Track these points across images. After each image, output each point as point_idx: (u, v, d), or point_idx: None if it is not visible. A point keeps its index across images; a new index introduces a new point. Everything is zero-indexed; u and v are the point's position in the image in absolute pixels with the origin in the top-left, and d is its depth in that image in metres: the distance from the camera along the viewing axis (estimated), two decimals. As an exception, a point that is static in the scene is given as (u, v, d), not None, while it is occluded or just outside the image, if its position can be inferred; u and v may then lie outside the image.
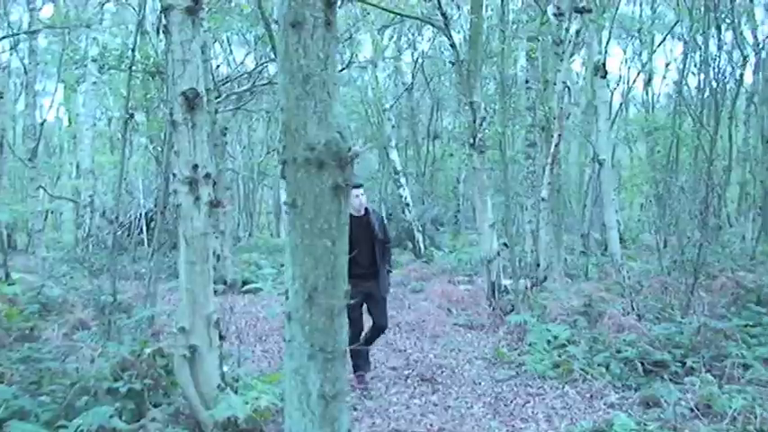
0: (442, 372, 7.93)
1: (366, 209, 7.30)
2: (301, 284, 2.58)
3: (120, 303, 8.68)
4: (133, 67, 11.26)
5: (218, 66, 21.39)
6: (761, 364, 7.21)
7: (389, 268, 7.67)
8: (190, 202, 5.14)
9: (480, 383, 7.48)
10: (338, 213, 2.58)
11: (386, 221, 7.91)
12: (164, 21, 5.25)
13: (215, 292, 5.38)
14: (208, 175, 5.24)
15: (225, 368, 5.66)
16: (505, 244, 12.46)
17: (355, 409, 6.53)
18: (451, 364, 8.26)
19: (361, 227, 6.94)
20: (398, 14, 13.29)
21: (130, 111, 13.37)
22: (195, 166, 5.15)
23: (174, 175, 5.20)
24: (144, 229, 20.89)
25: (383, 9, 13.04)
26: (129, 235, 19.80)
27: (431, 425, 6.14)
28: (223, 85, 16.72)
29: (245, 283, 14.08)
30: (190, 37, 5.09)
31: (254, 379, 6.05)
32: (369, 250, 7.15)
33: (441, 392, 7.18)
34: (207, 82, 13.65)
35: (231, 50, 26.65)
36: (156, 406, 5.39)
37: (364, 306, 7.33)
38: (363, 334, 7.28)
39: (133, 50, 10.12)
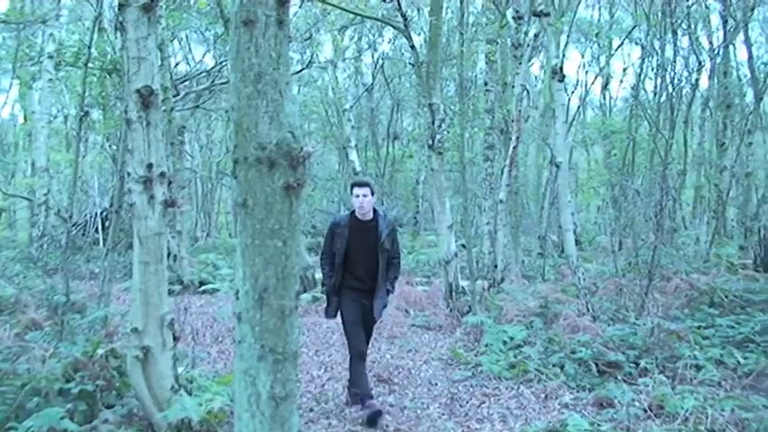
0: (399, 372, 7.93)
1: (375, 212, 6.49)
2: (252, 285, 2.56)
3: (74, 303, 8.53)
4: (90, 64, 11.12)
5: (176, 64, 21.27)
6: (713, 365, 7.31)
7: (390, 288, 6.63)
8: (144, 202, 5.08)
9: (436, 384, 7.49)
10: (289, 213, 2.56)
11: (397, 232, 6.90)
12: (120, 18, 5.19)
13: (171, 292, 5.33)
14: (162, 174, 5.18)
15: (180, 369, 5.60)
16: (463, 245, 12.51)
17: (311, 411, 6.50)
18: (408, 364, 8.27)
19: (363, 232, 6.39)
20: (358, 15, 13.29)
21: (86, 108, 13.20)
22: (150, 165, 5.09)
23: (129, 173, 5.14)
24: (99, 228, 20.63)
25: (343, 9, 13.03)
26: (84, 234, 19.55)
27: (387, 426, 6.12)
28: (181, 83, 16.61)
29: (201, 283, 13.99)
30: (145, 34, 5.03)
31: (208, 380, 6.00)
32: (370, 261, 6.42)
33: (397, 393, 7.17)
34: (165, 80, 13.60)
35: (190, 48, 26.45)
36: (108, 407, 5.31)
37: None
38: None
39: (90, 47, 9.96)
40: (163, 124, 5.66)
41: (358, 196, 6.34)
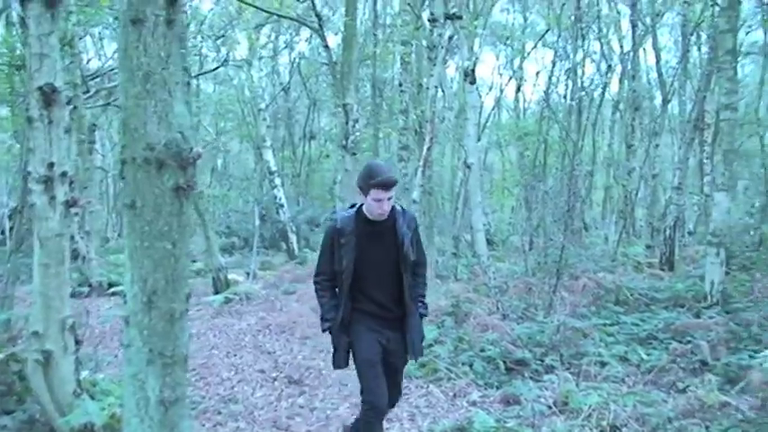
0: (310, 373, 7.91)
1: (393, 208, 4.63)
2: (140, 288, 2.52)
3: (-26, 307, 8.25)
4: (-4, 60, 10.77)
5: (88, 60, 20.73)
6: (617, 361, 7.53)
7: (424, 311, 4.85)
8: (45, 202, 4.95)
9: (347, 384, 7.47)
10: (179, 215, 2.53)
11: (419, 229, 4.95)
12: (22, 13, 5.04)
13: (79, 294, 5.20)
14: (64, 174, 5.06)
15: (83, 373, 5.48)
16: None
17: (219, 413, 6.43)
18: (320, 365, 8.25)
19: (377, 238, 4.59)
20: (273, 14, 13.20)
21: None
22: (51, 164, 4.96)
23: (29, 173, 5.00)
24: (6, 229, 19.98)
25: (258, 8, 12.94)
26: (-11, 235, 18.92)
27: (296, 427, 6.11)
28: (92, 80, 16.20)
29: (111, 285, 13.67)
30: (48, 30, 4.90)
31: (113, 384, 5.88)
32: (390, 279, 4.64)
33: (308, 394, 7.16)
34: (75, 77, 13.27)
35: (102, 45, 25.83)
36: (8, 413, 5.18)
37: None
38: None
39: (-5, 42, 9.65)
40: (67, 122, 5.51)
41: (380, 200, 4.42)
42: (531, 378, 7.12)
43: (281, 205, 20.62)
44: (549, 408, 6.14)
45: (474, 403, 6.67)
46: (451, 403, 6.73)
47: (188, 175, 2.50)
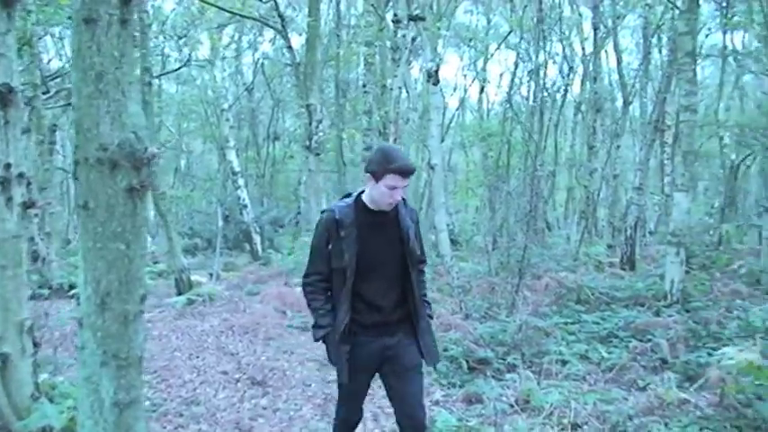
0: (274, 374, 7.86)
1: (403, 201, 4.18)
2: (94, 289, 2.50)
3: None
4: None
5: (48, 60, 20.47)
6: (577, 359, 7.60)
7: (431, 312, 4.41)
8: (1, 203, 4.89)
9: (311, 385, 7.47)
10: (133, 216, 2.51)
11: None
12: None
13: (39, 296, 5.13)
14: (21, 175, 5.00)
15: (44, 376, 5.42)
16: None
17: (181, 416, 6.38)
18: (283, 366, 8.21)
19: (379, 231, 4.07)
20: (235, 14, 13.14)
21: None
22: (8, 165, 4.90)
23: (-14, 174, 4.94)
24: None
25: (219, 8, 12.86)
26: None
27: (259, 428, 6.09)
28: (52, 80, 16.01)
29: (71, 287, 13.49)
30: (4, 30, 4.84)
31: (72, 387, 5.81)
32: (396, 275, 4.11)
33: (271, 395, 7.12)
34: (34, 77, 13.11)
35: (63, 45, 25.51)
36: (-36, 418, 5.09)
37: (374, 378, 4.32)
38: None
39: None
40: (25, 123, 5.45)
41: (395, 188, 3.91)
42: (493, 377, 7.16)
43: (245, 206, 20.51)
44: (511, 406, 6.17)
45: (437, 402, 6.68)
46: (414, 403, 6.73)
47: (142, 176, 2.49)
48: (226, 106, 21.75)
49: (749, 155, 21.01)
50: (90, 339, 2.54)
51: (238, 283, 14.78)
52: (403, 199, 4.10)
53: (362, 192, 4.14)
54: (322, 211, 4.23)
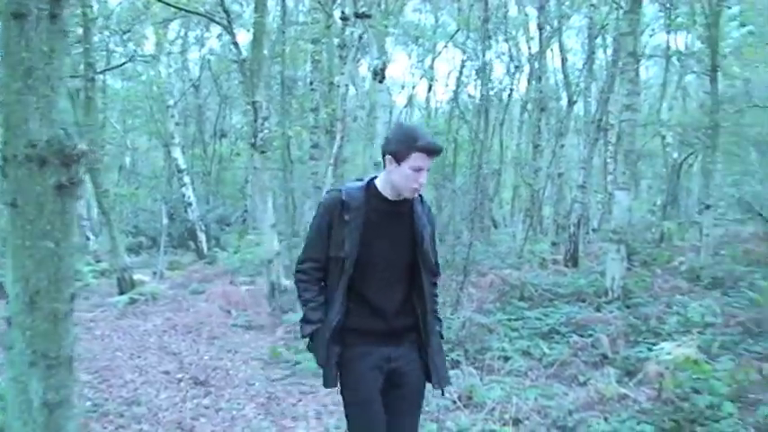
0: (217, 374, 7.82)
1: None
2: (22, 288, 2.46)
3: None
4: None
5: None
6: (519, 355, 7.68)
7: (440, 327, 3.72)
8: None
9: (254, 384, 7.44)
10: (62, 214, 2.47)
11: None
12: None
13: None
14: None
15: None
16: (294, 245, 12.50)
17: (122, 416, 6.30)
18: (227, 365, 8.17)
19: (390, 222, 3.52)
20: (181, 9, 12.96)
21: None
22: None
23: None
24: None
25: (165, 3, 12.68)
26: None
27: (201, 428, 6.04)
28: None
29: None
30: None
31: None
32: (400, 279, 3.53)
33: (213, 395, 7.06)
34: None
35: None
36: None
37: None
38: None
39: None
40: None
41: (421, 170, 3.37)
42: (436, 374, 7.19)
43: (190, 204, 20.28)
44: (454, 402, 6.20)
45: (380, 401, 6.69)
46: (358, 400, 6.73)
47: (71, 173, 2.45)
48: (171, 102, 21.49)
49: (691, 154, 21.43)
50: (19, 338, 2.49)
51: (183, 282, 14.65)
52: (419, 195, 3.56)
53: (375, 177, 3.58)
54: (327, 191, 3.78)
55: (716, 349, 7.22)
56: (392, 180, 3.43)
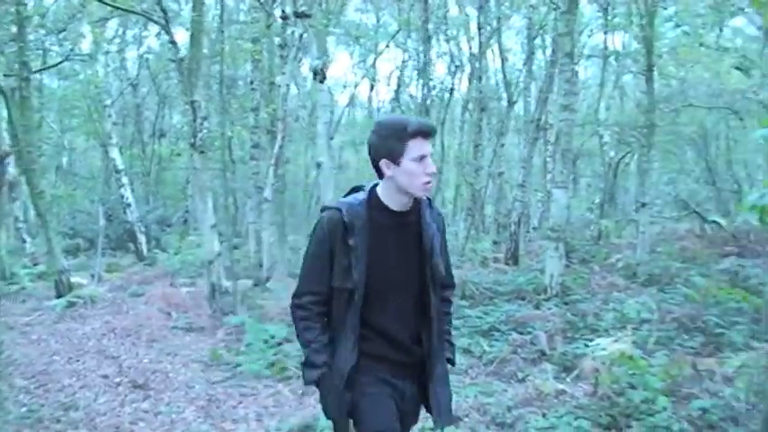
0: (156, 377, 7.73)
1: (428, 201, 3.20)
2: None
3: None
4: None
5: None
6: (460, 353, 7.73)
7: (453, 356, 3.35)
8: None
9: (194, 387, 7.37)
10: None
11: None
12: None
13: None
14: None
15: None
16: (235, 246, 12.44)
17: (58, 422, 6.20)
18: (166, 368, 8.08)
19: (396, 237, 3.10)
20: (117, 8, 12.75)
21: None
22: None
23: None
24: None
25: (101, 2, 12.47)
26: None
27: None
28: None
29: None
30: None
31: None
32: (414, 299, 3.12)
33: (153, 398, 7.00)
34: None
35: None
36: None
37: None
38: None
39: None
40: None
41: (425, 157, 2.95)
42: (378, 374, 7.22)
43: (128, 205, 19.95)
44: (391, 398, 6.24)
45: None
46: (299, 402, 6.74)
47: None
48: (109, 102, 21.13)
49: (628, 152, 21.83)
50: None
51: (122, 285, 14.39)
52: (428, 199, 3.18)
53: (375, 186, 3.13)
54: (322, 209, 3.18)
55: (651, 345, 7.40)
56: (398, 185, 3.00)
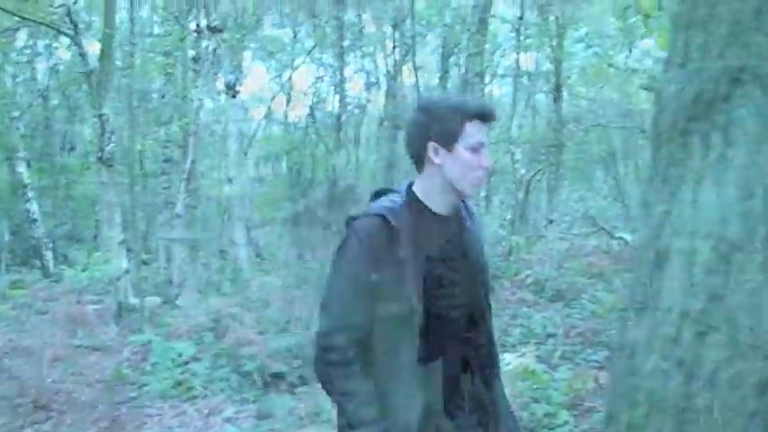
0: (59, 397, 7.52)
1: (465, 205, 2.62)
2: None
3: None
4: None
5: None
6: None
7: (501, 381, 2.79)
8: None
9: (98, 407, 7.21)
10: None
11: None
12: None
13: None
14: None
15: None
16: (143, 261, 12.21)
17: None
18: (69, 388, 7.87)
19: (442, 248, 2.46)
20: (25, 18, 12.44)
21: None
22: None
23: None
24: None
25: (7, 11, 12.15)
26: None
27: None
28: None
29: None
30: None
31: None
32: (465, 323, 2.53)
33: (55, 419, 6.83)
34: None
35: None
36: None
37: None
38: None
39: None
40: None
41: (480, 146, 2.41)
42: (286, 391, 7.22)
43: (35, 220, 19.39)
44: (301, 419, 6.24)
45: (228, 420, 6.64)
46: (205, 421, 6.66)
47: None
48: (16, 114, 20.54)
49: (539, 170, 22.29)
50: None
51: (26, 302, 13.97)
52: (468, 208, 2.62)
53: (411, 185, 2.52)
54: (353, 218, 2.44)
55: (556, 359, 7.54)
56: (445, 177, 2.41)
